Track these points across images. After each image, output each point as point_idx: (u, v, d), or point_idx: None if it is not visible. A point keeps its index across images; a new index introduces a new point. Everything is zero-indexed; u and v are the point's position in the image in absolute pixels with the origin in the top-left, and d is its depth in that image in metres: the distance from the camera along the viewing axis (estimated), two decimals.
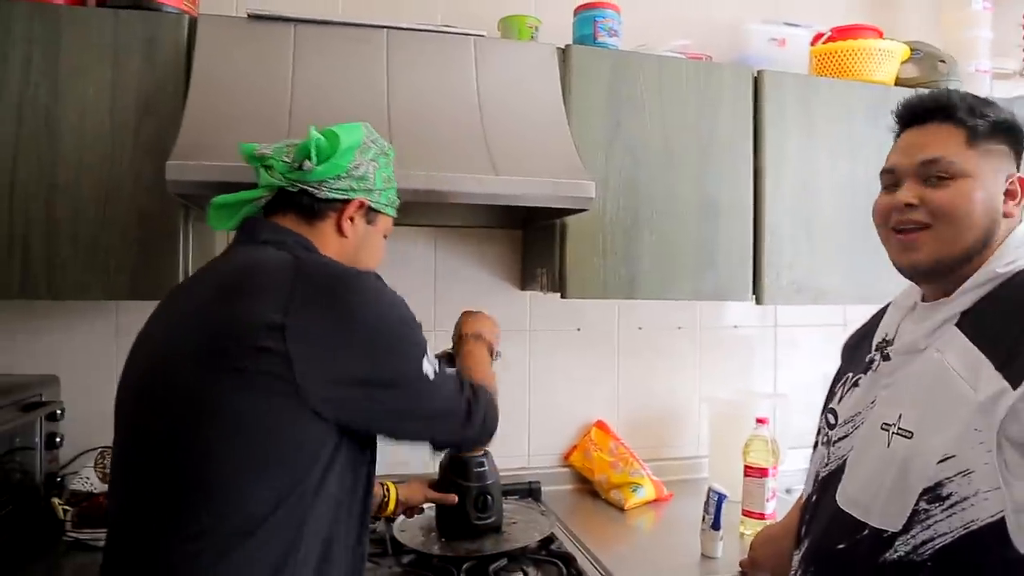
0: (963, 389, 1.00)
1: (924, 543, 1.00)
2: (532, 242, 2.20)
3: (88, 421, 1.74)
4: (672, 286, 1.99)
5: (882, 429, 1.09)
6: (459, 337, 1.55)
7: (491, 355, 1.53)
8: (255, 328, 1.02)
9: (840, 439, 1.20)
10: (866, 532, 1.07)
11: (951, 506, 0.98)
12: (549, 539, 1.81)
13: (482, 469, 1.79)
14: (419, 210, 2.08)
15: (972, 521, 0.97)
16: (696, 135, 2.00)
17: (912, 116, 1.17)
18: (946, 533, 0.98)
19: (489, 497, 1.78)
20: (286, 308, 1.03)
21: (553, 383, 2.35)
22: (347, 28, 1.77)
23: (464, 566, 1.64)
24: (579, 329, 2.37)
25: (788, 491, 2.08)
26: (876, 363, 1.18)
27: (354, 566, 1.19)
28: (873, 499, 1.07)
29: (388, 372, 1.11)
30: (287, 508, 1.04)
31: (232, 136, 1.29)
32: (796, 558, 1.24)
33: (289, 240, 1.18)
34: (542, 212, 1.92)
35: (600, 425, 2.36)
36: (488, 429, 1.29)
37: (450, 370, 1.29)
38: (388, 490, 1.68)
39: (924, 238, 1.10)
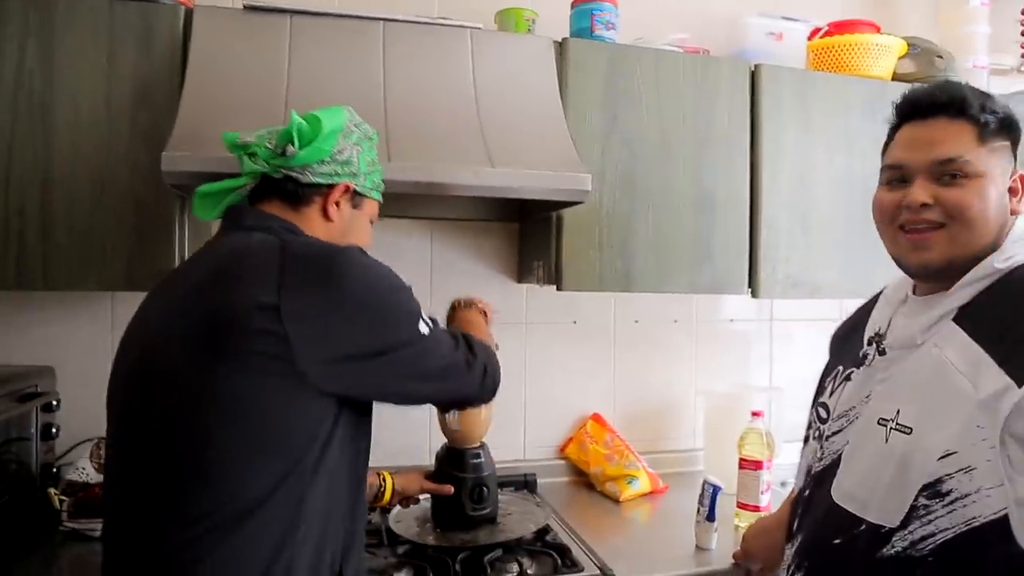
0: (963, 385, 0.99)
1: (924, 538, 0.99)
2: (528, 235, 2.20)
3: (84, 412, 1.73)
4: (668, 279, 1.99)
5: (879, 424, 1.08)
6: (452, 312, 1.57)
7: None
8: (249, 310, 1.02)
9: (834, 434, 1.19)
10: (863, 527, 1.06)
11: (952, 502, 0.98)
12: (544, 530, 1.82)
13: (478, 461, 1.79)
14: (415, 202, 2.09)
15: (974, 518, 0.96)
16: (693, 129, 2.00)
17: (917, 109, 1.13)
18: (947, 529, 0.98)
19: (485, 488, 1.78)
20: (278, 289, 1.04)
21: (549, 376, 2.35)
22: (343, 20, 1.76)
23: (459, 557, 1.64)
24: (575, 322, 2.38)
25: (783, 484, 2.08)
26: (870, 358, 1.17)
27: (354, 543, 1.20)
28: (870, 494, 1.06)
29: (386, 341, 1.12)
30: (286, 487, 1.05)
31: (228, 127, 1.29)
32: (788, 552, 1.23)
33: (275, 225, 1.19)
34: (539, 205, 1.92)
35: (596, 418, 2.36)
36: (490, 381, 1.30)
37: (445, 328, 1.30)
38: (384, 480, 1.68)
39: (936, 238, 1.07)
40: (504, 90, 1.81)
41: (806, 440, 1.30)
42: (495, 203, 2.17)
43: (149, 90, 1.65)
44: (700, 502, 1.78)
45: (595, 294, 2.30)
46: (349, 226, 1.28)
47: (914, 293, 1.17)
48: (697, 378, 2.50)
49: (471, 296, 1.64)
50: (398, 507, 1.79)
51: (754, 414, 1.97)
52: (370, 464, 1.26)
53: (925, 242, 1.08)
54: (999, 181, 1.08)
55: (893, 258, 1.16)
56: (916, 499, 1.00)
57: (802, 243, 2.09)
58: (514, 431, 2.32)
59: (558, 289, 1.93)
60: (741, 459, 1.92)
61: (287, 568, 1.05)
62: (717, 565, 1.70)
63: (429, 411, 1.57)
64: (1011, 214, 1.09)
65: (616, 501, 2.14)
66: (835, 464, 1.16)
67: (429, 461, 1.89)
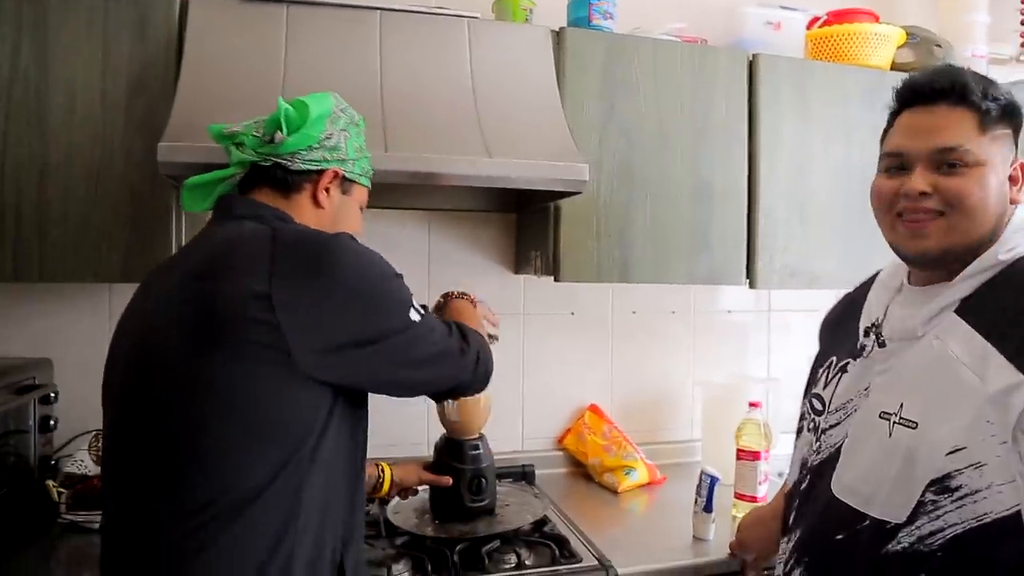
0: (969, 379, 0.98)
1: (932, 534, 0.98)
2: (526, 225, 2.20)
3: (82, 404, 1.73)
4: (666, 270, 1.99)
5: (881, 418, 1.07)
6: (443, 303, 1.57)
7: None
8: (241, 300, 1.02)
9: (831, 426, 1.18)
10: (866, 523, 1.05)
11: (961, 498, 0.97)
12: (542, 521, 1.82)
13: (477, 452, 1.79)
14: (412, 193, 2.08)
15: (986, 514, 0.95)
16: (691, 118, 2.00)
17: (918, 95, 1.11)
18: (956, 524, 0.97)
19: (483, 480, 1.78)
20: (270, 278, 1.04)
21: (547, 367, 2.35)
22: (340, 9, 1.75)
23: (457, 548, 1.64)
24: (573, 313, 2.37)
25: (780, 474, 2.07)
26: (869, 349, 1.16)
27: (353, 534, 1.20)
28: (875, 489, 1.05)
29: (377, 328, 1.12)
30: (284, 477, 1.05)
31: (224, 118, 1.29)
32: (785, 546, 1.22)
33: (266, 214, 1.18)
34: (536, 195, 1.91)
35: (594, 409, 2.36)
36: (483, 368, 1.30)
37: (437, 317, 1.29)
38: (383, 471, 1.68)
39: (935, 226, 1.06)
40: (501, 80, 1.81)
41: (799, 431, 1.29)
42: (492, 193, 2.17)
43: (144, 81, 1.64)
44: (698, 493, 1.79)
45: (593, 285, 2.30)
46: (339, 213, 1.28)
47: (909, 281, 1.16)
48: (695, 369, 2.50)
49: (462, 290, 1.63)
50: (396, 498, 1.79)
51: (752, 405, 1.97)
52: (368, 455, 1.26)
53: (923, 230, 1.07)
54: (999, 169, 1.06)
55: (891, 246, 1.15)
56: (923, 494, 0.99)
57: (800, 233, 2.09)
58: (512, 422, 2.32)
59: (556, 280, 1.92)
60: (739, 450, 1.92)
61: (287, 558, 1.06)
62: (714, 556, 1.70)
63: (428, 402, 1.57)
64: (1011, 203, 1.08)
65: (614, 492, 2.14)
66: (834, 458, 1.14)
67: (428, 452, 1.89)
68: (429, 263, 2.23)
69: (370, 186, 1.35)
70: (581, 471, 2.30)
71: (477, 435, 1.81)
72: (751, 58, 2.06)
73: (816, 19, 2.24)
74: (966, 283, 1.06)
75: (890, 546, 1.02)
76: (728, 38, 2.22)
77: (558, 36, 1.92)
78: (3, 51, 1.57)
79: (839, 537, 1.09)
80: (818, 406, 1.23)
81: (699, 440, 2.42)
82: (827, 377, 1.24)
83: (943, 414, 1.00)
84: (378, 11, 1.78)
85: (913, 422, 1.03)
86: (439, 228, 2.25)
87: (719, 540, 1.74)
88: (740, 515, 1.84)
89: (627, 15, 2.10)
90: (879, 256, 1.21)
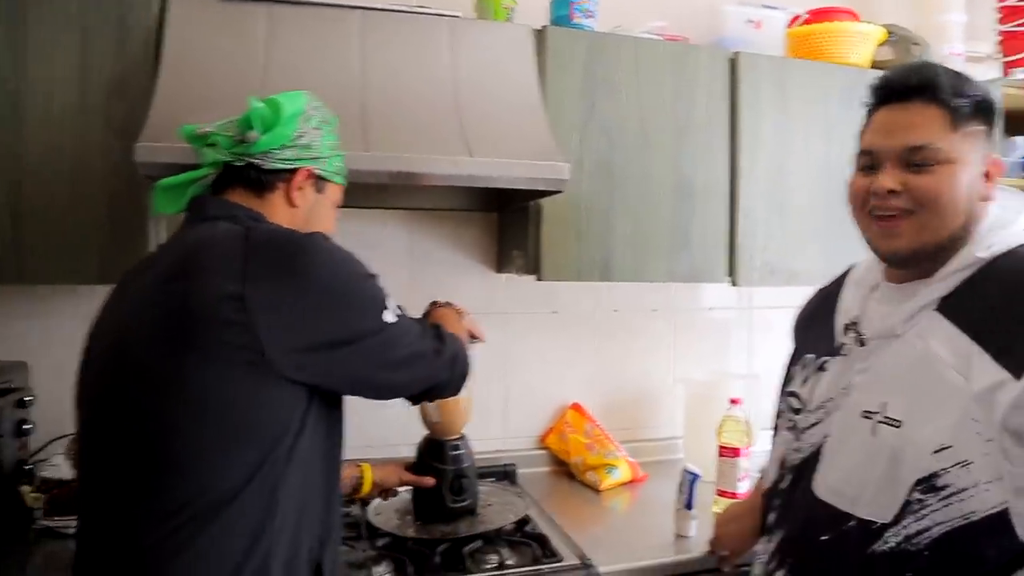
0: (953, 378, 0.98)
1: (919, 533, 0.98)
2: (508, 224, 2.19)
3: (58, 408, 1.70)
4: (647, 268, 1.99)
5: (863, 417, 1.07)
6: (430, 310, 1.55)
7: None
8: (214, 300, 1.02)
9: (811, 426, 1.17)
10: (852, 523, 1.05)
11: (948, 496, 0.97)
12: (524, 520, 1.82)
13: (458, 452, 1.79)
14: (393, 193, 2.07)
15: (972, 512, 0.95)
16: (672, 117, 2.00)
17: (891, 93, 1.10)
18: (943, 523, 0.97)
19: (465, 480, 1.78)
20: (243, 278, 1.03)
21: (529, 366, 2.35)
22: (321, 8, 1.74)
23: (439, 548, 1.64)
24: (555, 312, 2.37)
25: (761, 471, 2.09)
26: (848, 347, 1.16)
27: (331, 534, 1.19)
28: (860, 490, 1.05)
29: (351, 329, 1.11)
30: (260, 477, 1.04)
31: (204, 117, 1.27)
32: (767, 546, 1.22)
33: (240, 214, 1.18)
34: (517, 194, 1.91)
35: (576, 407, 2.36)
36: (459, 370, 1.30)
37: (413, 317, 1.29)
38: (363, 472, 1.67)
39: (905, 225, 1.06)
40: (482, 79, 1.80)
41: (776, 429, 1.29)
42: (474, 192, 2.16)
43: (123, 81, 1.62)
44: (679, 490, 1.79)
45: (574, 284, 2.30)
46: (313, 211, 1.27)
47: (886, 278, 1.16)
48: (676, 366, 2.51)
49: (450, 307, 1.61)
50: (378, 500, 1.79)
51: (733, 402, 1.98)
52: (349, 456, 1.25)
53: (894, 229, 1.07)
54: (972, 167, 1.06)
55: (866, 243, 1.15)
56: (910, 494, 0.99)
57: (779, 230, 2.10)
58: (494, 421, 2.32)
59: (537, 279, 1.92)
60: (720, 447, 1.93)
61: (264, 558, 1.05)
62: (696, 553, 1.71)
63: (406, 402, 1.56)
64: (981, 200, 1.07)
65: (596, 490, 2.14)
66: (814, 458, 1.14)
67: (408, 453, 1.88)
68: (411, 262, 2.22)
69: (345, 184, 1.34)
70: (563, 470, 2.30)
71: (459, 435, 1.81)
72: (732, 57, 2.07)
73: (796, 17, 2.26)
74: (945, 281, 1.06)
75: (876, 546, 1.02)
76: (709, 36, 2.23)
77: (539, 35, 1.91)
78: None
79: (824, 538, 1.09)
80: (796, 404, 1.23)
81: (681, 437, 2.43)
82: (805, 375, 1.24)
83: (928, 413, 1.00)
84: (359, 10, 1.76)
85: (897, 421, 1.03)
86: (420, 228, 2.24)
87: (700, 537, 1.75)
88: (721, 512, 1.85)
89: (608, 13, 2.10)
90: (858, 253, 1.21)
